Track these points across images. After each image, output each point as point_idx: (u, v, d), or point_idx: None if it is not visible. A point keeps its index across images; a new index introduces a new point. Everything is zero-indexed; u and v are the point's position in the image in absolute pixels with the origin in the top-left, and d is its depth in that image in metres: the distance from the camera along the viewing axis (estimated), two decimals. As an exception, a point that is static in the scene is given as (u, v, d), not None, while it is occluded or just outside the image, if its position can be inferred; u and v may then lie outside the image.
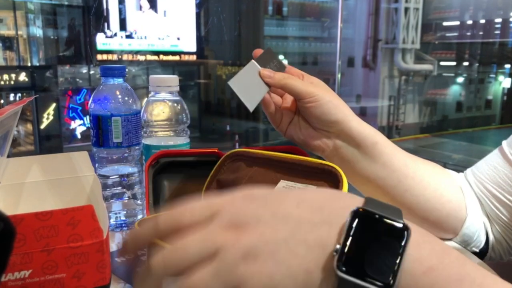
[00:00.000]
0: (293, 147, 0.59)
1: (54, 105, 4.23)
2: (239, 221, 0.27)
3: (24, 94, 3.95)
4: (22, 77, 3.88)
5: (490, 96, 6.98)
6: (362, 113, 6.16)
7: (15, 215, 0.35)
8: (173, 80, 0.66)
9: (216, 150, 0.58)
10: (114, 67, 0.60)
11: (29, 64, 4.29)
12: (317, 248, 0.26)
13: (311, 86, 0.50)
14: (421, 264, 0.25)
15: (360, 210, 0.26)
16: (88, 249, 0.37)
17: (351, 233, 0.25)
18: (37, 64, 4.34)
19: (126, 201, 0.64)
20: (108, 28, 4.23)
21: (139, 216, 0.65)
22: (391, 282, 0.24)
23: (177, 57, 4.68)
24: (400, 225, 0.26)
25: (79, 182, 0.52)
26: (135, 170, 0.64)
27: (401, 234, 0.26)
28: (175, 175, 0.57)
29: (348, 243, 0.25)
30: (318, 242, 0.26)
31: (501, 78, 6.83)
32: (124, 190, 0.63)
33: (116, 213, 0.63)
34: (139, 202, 0.65)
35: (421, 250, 0.26)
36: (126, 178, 0.63)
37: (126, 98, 0.61)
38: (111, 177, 0.62)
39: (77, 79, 4.61)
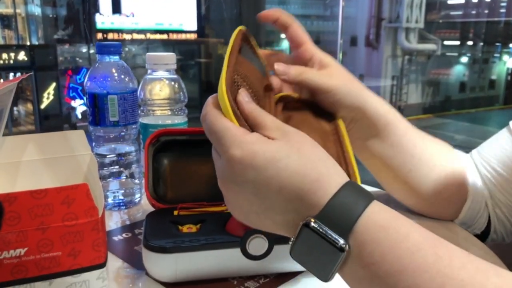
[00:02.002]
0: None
1: (54, 84, 4.21)
2: (228, 178, 0.34)
3: (24, 73, 3.93)
4: (21, 56, 3.85)
5: (494, 76, 6.92)
6: (364, 93, 6.11)
7: (9, 193, 0.35)
8: (170, 57, 0.65)
9: (216, 129, 0.58)
10: (110, 44, 0.59)
11: (28, 43, 4.26)
12: (282, 226, 0.33)
13: (327, 78, 0.46)
14: (361, 260, 0.30)
15: (311, 223, 0.31)
16: (83, 228, 0.37)
17: (298, 241, 0.32)
18: (36, 43, 4.30)
19: (123, 180, 0.63)
20: (97, 11, 4.11)
21: (137, 195, 0.65)
22: (329, 278, 0.31)
23: (164, 36, 4.60)
24: (339, 245, 0.30)
25: (76, 161, 0.51)
26: (132, 149, 0.64)
27: (338, 252, 0.30)
28: (175, 154, 0.56)
29: (295, 246, 0.32)
30: (284, 224, 0.33)
31: (505, 58, 6.76)
32: (122, 169, 0.63)
33: (114, 192, 0.63)
34: (136, 181, 0.65)
35: (363, 250, 0.30)
36: (123, 157, 0.63)
37: (122, 76, 0.60)
38: (108, 156, 0.62)
39: (77, 58, 4.58)
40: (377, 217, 0.31)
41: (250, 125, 0.34)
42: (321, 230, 0.31)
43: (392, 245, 0.30)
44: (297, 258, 0.32)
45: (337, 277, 0.32)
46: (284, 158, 0.32)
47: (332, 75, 0.47)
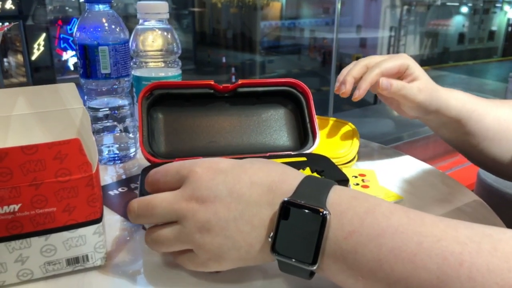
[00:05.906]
0: (292, 80, 0.58)
1: (44, 35, 4.08)
2: (200, 195, 0.34)
3: (11, 23, 3.81)
4: (8, 4, 3.70)
5: (494, 27, 6.79)
6: (362, 45, 6.01)
7: (0, 149, 0.34)
8: (163, 6, 0.62)
9: (212, 82, 0.56)
10: (99, -9, 0.56)
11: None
12: (259, 228, 0.33)
13: (418, 93, 0.55)
14: (342, 231, 0.30)
15: (287, 201, 0.32)
16: (77, 183, 0.36)
17: (279, 224, 0.32)
18: (23, -9, 4.13)
19: (117, 134, 0.62)
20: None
21: (132, 150, 0.64)
22: (312, 260, 0.31)
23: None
24: (318, 211, 0.31)
25: (68, 114, 0.50)
26: (125, 103, 0.62)
27: (320, 218, 0.31)
28: (169, 107, 0.55)
29: (278, 230, 0.32)
30: (262, 223, 0.33)
31: (506, 8, 6.60)
32: (115, 123, 0.62)
33: (108, 147, 0.62)
34: (131, 135, 0.64)
35: (342, 218, 0.31)
36: (116, 111, 0.61)
37: (113, 27, 0.58)
38: (101, 110, 0.61)
39: (66, 8, 4.42)
40: (346, 191, 0.33)
41: None
42: (301, 202, 0.32)
43: (367, 211, 0.31)
44: (280, 247, 0.32)
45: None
46: (248, 162, 0.36)
47: (421, 90, 0.55)
